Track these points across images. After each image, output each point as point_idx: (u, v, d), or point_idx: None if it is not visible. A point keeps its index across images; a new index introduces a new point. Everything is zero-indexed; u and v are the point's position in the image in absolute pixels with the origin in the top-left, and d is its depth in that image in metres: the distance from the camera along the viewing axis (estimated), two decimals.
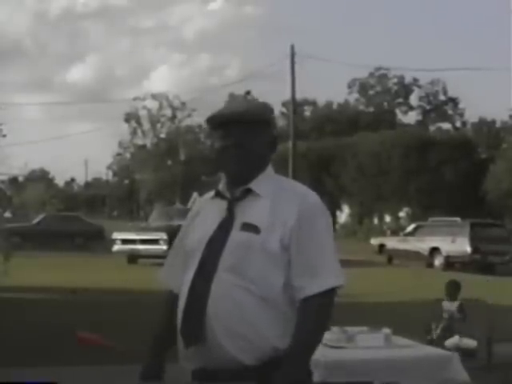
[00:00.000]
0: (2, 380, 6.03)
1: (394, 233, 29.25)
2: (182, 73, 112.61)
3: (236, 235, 2.33)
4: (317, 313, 2.29)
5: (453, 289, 7.42)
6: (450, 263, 22.83)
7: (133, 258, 22.17)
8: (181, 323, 2.37)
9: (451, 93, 69.93)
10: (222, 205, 2.43)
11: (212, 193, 2.53)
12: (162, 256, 20.89)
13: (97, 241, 29.64)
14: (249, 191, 2.40)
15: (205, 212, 2.51)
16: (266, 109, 2.50)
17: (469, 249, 22.18)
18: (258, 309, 2.27)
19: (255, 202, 2.38)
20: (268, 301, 2.29)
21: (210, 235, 2.39)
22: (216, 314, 2.28)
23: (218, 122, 2.46)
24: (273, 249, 2.30)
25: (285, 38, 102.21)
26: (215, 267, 2.32)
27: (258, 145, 2.43)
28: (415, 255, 24.05)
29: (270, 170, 2.48)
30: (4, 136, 29.47)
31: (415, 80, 69.55)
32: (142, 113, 66.13)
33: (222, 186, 2.49)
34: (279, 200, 2.36)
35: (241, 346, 2.27)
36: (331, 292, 2.34)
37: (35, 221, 31.16)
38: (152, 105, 65.74)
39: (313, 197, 2.41)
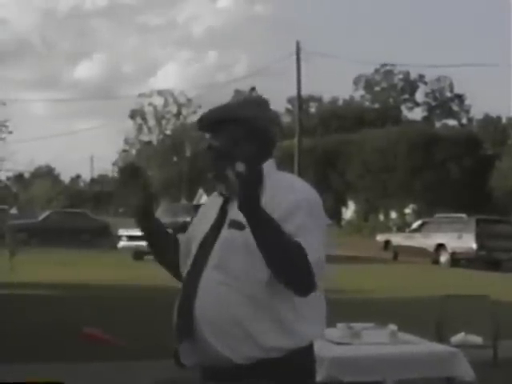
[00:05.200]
0: (4, 376, 6.03)
1: (400, 229, 29.21)
2: (189, 70, 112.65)
3: (224, 232, 2.35)
4: (297, 250, 2.18)
5: None
6: (456, 260, 22.78)
7: (138, 254, 22.20)
8: (175, 319, 2.39)
9: (457, 89, 69.87)
10: (220, 202, 2.46)
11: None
12: None
13: (102, 237, 29.69)
14: None
15: (208, 209, 2.54)
16: (242, 106, 2.47)
17: (475, 245, 22.12)
18: (242, 306, 2.26)
19: None
20: (252, 297, 2.26)
21: (205, 233, 2.42)
22: (202, 312, 2.28)
23: (199, 127, 2.52)
24: (255, 245, 2.25)
25: (292, 35, 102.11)
26: (204, 265, 2.33)
27: (233, 143, 2.42)
28: (421, 252, 23.99)
29: (267, 164, 2.43)
30: (10, 132, 29.54)
31: (421, 76, 69.45)
32: (148, 109, 66.27)
33: None
34: (266, 196, 2.30)
35: (227, 343, 2.26)
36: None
37: (41, 217, 31.21)
38: (158, 101, 65.86)
39: (299, 192, 2.35)
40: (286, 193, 2.32)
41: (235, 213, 2.32)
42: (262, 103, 2.52)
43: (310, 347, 2.40)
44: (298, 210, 2.29)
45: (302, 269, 2.19)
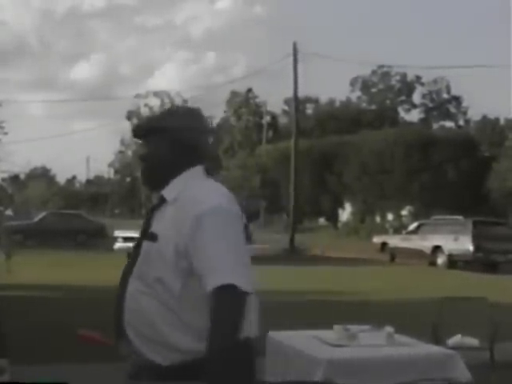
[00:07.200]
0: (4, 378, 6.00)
1: (397, 231, 29.24)
2: (187, 71, 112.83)
3: (143, 244, 2.47)
4: (217, 311, 2.25)
5: None
6: (453, 262, 22.81)
7: None
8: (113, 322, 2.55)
9: (454, 91, 69.97)
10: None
11: None
12: None
13: (98, 239, 29.69)
14: (163, 198, 2.49)
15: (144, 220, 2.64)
16: (168, 117, 2.55)
17: (471, 247, 22.14)
18: (157, 312, 2.38)
19: (165, 208, 2.47)
20: (165, 304, 2.37)
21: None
22: (128, 319, 2.45)
23: (134, 135, 2.64)
24: (168, 255, 2.36)
25: (289, 36, 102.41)
26: (130, 274, 2.48)
27: (157, 153, 2.52)
28: (418, 253, 24.02)
29: (190, 173, 2.50)
30: (6, 133, 29.57)
31: (418, 78, 69.56)
32: (144, 110, 66.29)
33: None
34: (180, 206, 2.40)
35: (151, 348, 2.40)
36: (229, 290, 2.24)
37: (37, 218, 31.17)
38: (154, 102, 65.90)
39: (209, 201, 2.36)
40: (193, 205, 2.36)
41: (155, 223, 2.46)
42: (191, 114, 2.57)
43: (246, 347, 2.38)
44: (206, 222, 2.32)
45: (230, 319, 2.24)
